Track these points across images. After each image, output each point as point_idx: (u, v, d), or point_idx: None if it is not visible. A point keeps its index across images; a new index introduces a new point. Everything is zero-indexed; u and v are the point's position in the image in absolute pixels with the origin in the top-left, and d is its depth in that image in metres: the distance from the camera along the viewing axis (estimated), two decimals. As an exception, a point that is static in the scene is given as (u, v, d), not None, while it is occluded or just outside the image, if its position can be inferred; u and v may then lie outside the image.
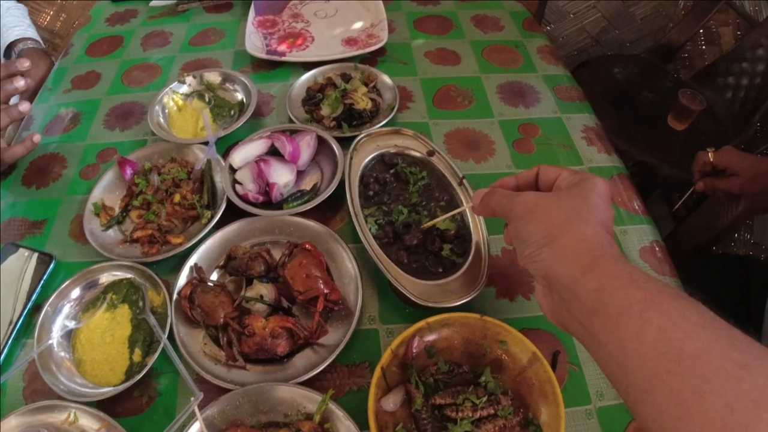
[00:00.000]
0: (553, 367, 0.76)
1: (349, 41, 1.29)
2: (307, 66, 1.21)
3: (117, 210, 0.94)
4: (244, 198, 0.90)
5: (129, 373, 0.75)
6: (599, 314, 0.44)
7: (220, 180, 0.94)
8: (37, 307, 0.84)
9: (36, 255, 0.90)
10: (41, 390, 0.75)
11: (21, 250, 0.90)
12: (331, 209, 0.94)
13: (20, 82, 0.76)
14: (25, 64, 0.76)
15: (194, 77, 1.16)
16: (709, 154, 1.23)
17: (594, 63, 2.27)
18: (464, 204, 0.87)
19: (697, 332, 0.39)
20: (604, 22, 2.65)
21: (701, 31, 2.36)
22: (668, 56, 2.35)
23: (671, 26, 2.56)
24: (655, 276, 0.86)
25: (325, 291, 0.76)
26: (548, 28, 2.62)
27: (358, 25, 1.35)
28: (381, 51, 1.26)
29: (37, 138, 0.94)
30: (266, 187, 0.91)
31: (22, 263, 0.89)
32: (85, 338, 0.79)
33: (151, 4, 1.45)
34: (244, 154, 0.95)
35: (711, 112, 1.86)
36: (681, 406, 0.37)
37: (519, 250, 0.55)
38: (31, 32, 1.52)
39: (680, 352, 0.38)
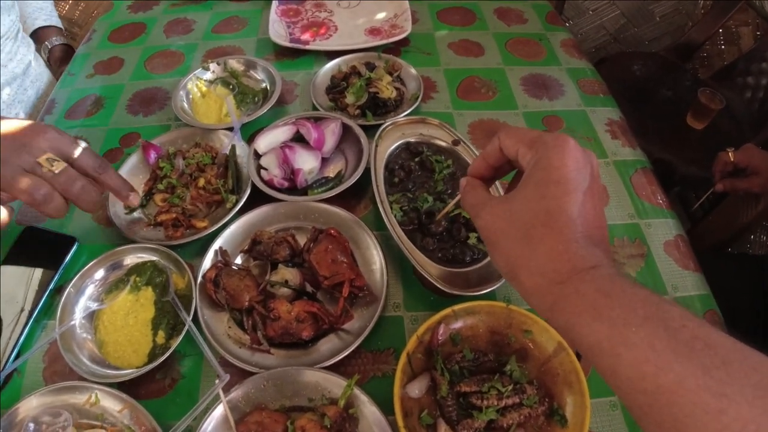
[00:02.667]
0: (578, 357, 0.75)
1: (373, 31, 1.29)
2: (330, 55, 1.20)
3: (141, 193, 0.94)
4: (269, 183, 0.90)
5: (152, 356, 0.75)
6: (577, 345, 0.42)
7: (245, 165, 0.94)
8: (58, 289, 0.84)
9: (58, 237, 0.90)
10: (62, 371, 0.75)
11: (43, 231, 0.91)
12: (356, 196, 0.93)
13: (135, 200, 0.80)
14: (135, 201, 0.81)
15: (218, 64, 1.16)
16: (730, 153, 1.22)
17: (613, 60, 2.26)
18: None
19: (669, 363, 0.36)
20: (623, 19, 2.64)
21: (720, 30, 2.34)
22: (687, 55, 2.34)
23: (690, 25, 2.54)
24: (679, 270, 0.86)
25: (351, 277, 0.76)
26: (567, 24, 2.61)
27: (381, 15, 1.34)
28: (404, 41, 1.26)
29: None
30: (291, 173, 0.91)
31: (43, 245, 0.90)
32: (108, 320, 0.79)
33: (174, -9, 1.45)
34: (270, 140, 0.95)
35: (729, 111, 1.84)
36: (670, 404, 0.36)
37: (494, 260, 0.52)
38: (55, 19, 1.54)
39: (655, 387, 0.36)
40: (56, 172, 0.67)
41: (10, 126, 0.68)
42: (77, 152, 0.70)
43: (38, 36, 1.49)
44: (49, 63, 1.50)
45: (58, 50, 1.50)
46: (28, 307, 0.82)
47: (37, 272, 0.86)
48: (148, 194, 0.94)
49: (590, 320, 0.41)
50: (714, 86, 1.90)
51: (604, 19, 2.64)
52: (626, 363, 0.38)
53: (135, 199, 0.79)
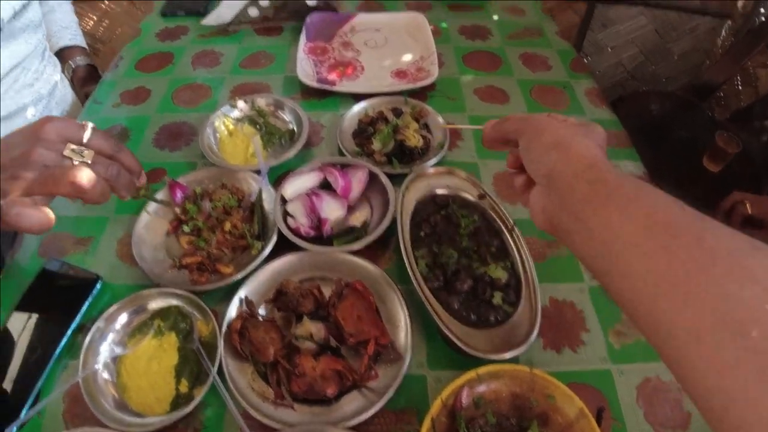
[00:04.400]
0: (599, 422, 0.75)
1: (399, 73, 1.30)
2: (357, 96, 1.21)
3: (165, 233, 0.95)
4: (295, 231, 0.90)
5: (175, 404, 0.75)
6: (592, 202, 0.48)
7: (271, 210, 0.95)
8: (80, 327, 0.84)
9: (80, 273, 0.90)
10: (82, 414, 0.75)
11: (66, 267, 0.91)
12: (381, 247, 0.94)
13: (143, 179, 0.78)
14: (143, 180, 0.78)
15: (246, 102, 1.17)
16: (747, 205, 1.21)
17: (630, 98, 2.27)
18: (515, 252, 0.87)
19: (671, 209, 0.43)
20: (642, 57, 2.65)
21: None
22: (704, 95, 2.34)
23: (708, 63, 2.55)
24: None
25: (376, 335, 0.76)
26: (585, 60, 2.62)
27: (407, 57, 1.35)
28: (430, 85, 1.26)
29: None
30: (318, 222, 0.91)
31: (65, 281, 0.90)
32: (131, 364, 0.79)
33: (203, 22, 1.46)
34: (297, 186, 0.95)
35: (745, 154, 1.84)
36: (651, 261, 0.41)
37: (527, 156, 0.59)
38: (80, 38, 1.55)
39: (656, 220, 0.42)
40: (90, 161, 0.65)
41: (12, 134, 0.65)
42: (87, 135, 0.66)
43: (62, 55, 1.51)
44: (72, 82, 1.51)
45: (81, 70, 1.51)
46: (49, 346, 0.82)
47: (59, 310, 0.86)
48: (174, 235, 0.94)
49: (620, 176, 0.49)
50: (731, 129, 1.90)
51: (623, 56, 2.66)
52: (639, 204, 0.45)
53: (143, 178, 0.76)
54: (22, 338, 0.83)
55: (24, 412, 0.75)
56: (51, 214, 0.65)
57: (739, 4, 2.30)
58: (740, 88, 2.47)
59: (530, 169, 0.58)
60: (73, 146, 0.64)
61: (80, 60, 1.51)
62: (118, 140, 0.71)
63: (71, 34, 1.52)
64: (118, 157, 0.69)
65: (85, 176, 0.62)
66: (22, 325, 0.84)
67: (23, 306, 0.86)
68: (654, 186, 0.47)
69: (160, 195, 0.98)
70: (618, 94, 2.60)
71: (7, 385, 0.78)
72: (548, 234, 0.59)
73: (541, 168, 0.56)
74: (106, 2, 2.45)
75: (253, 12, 1.46)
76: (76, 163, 0.63)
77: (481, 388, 0.73)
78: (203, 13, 1.55)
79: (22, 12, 1.16)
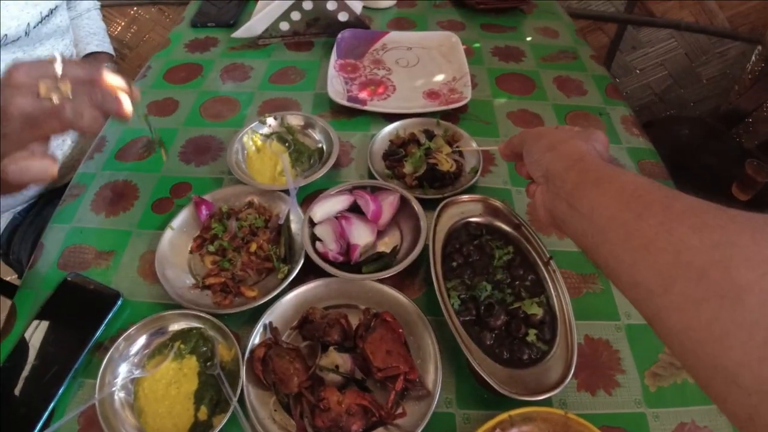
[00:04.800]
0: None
1: (431, 94, 1.27)
2: (388, 116, 1.19)
3: (189, 251, 0.93)
4: (323, 256, 0.88)
5: (193, 432, 0.72)
6: (579, 188, 0.55)
7: (298, 232, 0.92)
8: (98, 345, 0.82)
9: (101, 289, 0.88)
10: (98, 437, 0.72)
11: (86, 281, 0.89)
12: (410, 275, 0.90)
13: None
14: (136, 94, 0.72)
15: (275, 119, 1.15)
16: None
17: (659, 124, 2.24)
18: (550, 286, 0.84)
19: (644, 185, 0.48)
20: (670, 80, 2.62)
21: (767, 98, 2.33)
22: (733, 122, 2.31)
23: (736, 89, 2.52)
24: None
25: (405, 370, 0.73)
26: (615, 80, 2.59)
27: (440, 77, 1.33)
28: (463, 107, 1.23)
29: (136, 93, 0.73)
30: (347, 247, 0.89)
31: (85, 296, 0.88)
32: (149, 387, 0.77)
33: (234, 35, 1.45)
34: (326, 209, 0.93)
35: (774, 183, 1.82)
36: (627, 230, 0.46)
37: (528, 160, 0.68)
38: (107, 45, 1.55)
39: (630, 194, 0.48)
40: (69, 94, 0.60)
41: None
42: (59, 68, 0.61)
43: (89, 61, 1.50)
44: None
45: None
46: (66, 362, 0.79)
47: (78, 325, 0.84)
48: (198, 253, 0.92)
49: (603, 165, 0.57)
50: (760, 157, 1.87)
51: (651, 78, 2.62)
52: (618, 185, 0.51)
53: (136, 92, 0.69)
54: (39, 350, 0.81)
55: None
56: (53, 158, 0.63)
57: (770, 30, 2.28)
58: (769, 114, 2.43)
59: (531, 170, 0.67)
60: (48, 83, 0.59)
61: (107, 66, 1.51)
62: (93, 62, 0.65)
63: (99, 41, 1.52)
64: (99, 80, 0.64)
65: (68, 112, 0.59)
66: (39, 337, 0.83)
67: (42, 317, 0.85)
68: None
69: (186, 212, 0.96)
70: (646, 117, 2.58)
71: (21, 397, 0.76)
72: (549, 226, 0.65)
73: (539, 168, 0.64)
74: (135, 8, 2.46)
75: (284, 26, 1.44)
76: (56, 101, 0.59)
77: (514, 431, 0.70)
78: (233, 25, 1.54)
79: (49, 17, 1.16)
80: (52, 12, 1.16)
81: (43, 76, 0.60)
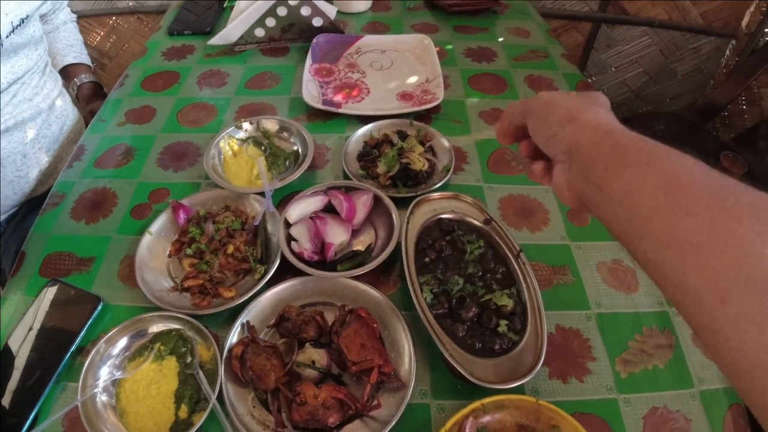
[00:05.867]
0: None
1: (405, 96, 1.30)
2: (362, 119, 1.21)
3: (167, 255, 0.94)
4: (298, 255, 0.90)
5: (173, 430, 0.74)
6: (611, 168, 0.47)
7: (274, 233, 0.94)
8: (80, 350, 0.84)
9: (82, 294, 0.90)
10: (81, 438, 0.74)
11: (67, 288, 0.90)
12: (385, 272, 0.93)
13: None
14: None
15: (251, 123, 1.16)
16: None
17: (636, 120, 2.27)
18: (521, 278, 0.86)
19: (691, 170, 0.41)
20: (646, 77, 2.65)
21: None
22: (709, 116, 2.34)
23: (712, 83, 2.56)
24: (708, 362, 0.85)
25: (380, 363, 0.75)
26: (590, 80, 2.62)
27: (413, 79, 1.35)
28: (436, 108, 1.26)
29: None
30: (322, 246, 0.91)
31: (66, 301, 0.89)
32: (130, 388, 0.78)
33: (210, 42, 1.47)
34: (301, 209, 0.95)
35: (750, 174, 1.84)
36: (673, 224, 0.39)
37: (541, 135, 0.58)
38: (85, 56, 1.57)
39: (676, 183, 0.41)
40: None
41: None
42: None
43: (67, 72, 1.52)
44: (77, 99, 1.51)
45: (86, 87, 1.52)
46: (48, 366, 0.81)
47: (60, 331, 0.85)
48: (176, 256, 0.94)
49: (638, 141, 0.47)
50: (736, 150, 1.90)
51: (627, 76, 2.66)
52: (657, 167, 0.44)
53: None
54: (22, 357, 0.82)
55: (22, 438, 0.74)
56: None
57: (743, 23, 2.31)
58: (745, 107, 2.47)
59: (546, 147, 0.58)
60: None
61: (85, 77, 1.52)
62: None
63: (76, 52, 1.53)
64: None
65: None
66: (21, 344, 0.84)
67: (24, 324, 0.86)
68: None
69: (164, 216, 0.98)
70: (622, 114, 2.61)
71: (5, 403, 0.77)
72: (579, 210, 0.60)
73: (559, 144, 0.55)
74: (114, 17, 2.46)
75: (260, 32, 1.46)
76: None
77: (486, 419, 0.72)
78: (209, 32, 1.56)
79: (21, 27, 1.17)
80: (23, 22, 1.16)
81: None
